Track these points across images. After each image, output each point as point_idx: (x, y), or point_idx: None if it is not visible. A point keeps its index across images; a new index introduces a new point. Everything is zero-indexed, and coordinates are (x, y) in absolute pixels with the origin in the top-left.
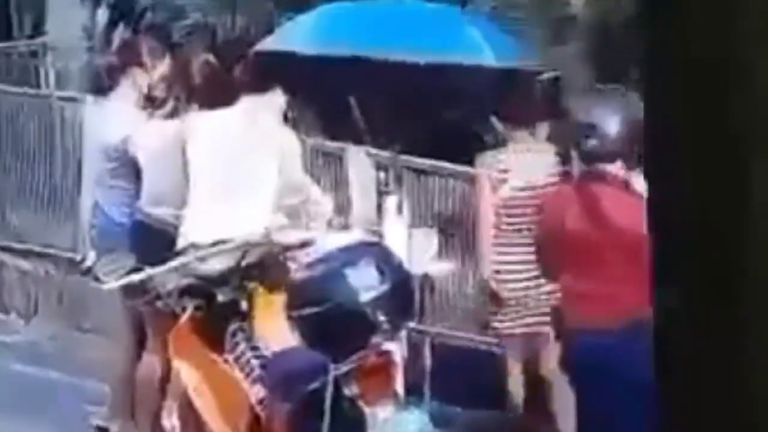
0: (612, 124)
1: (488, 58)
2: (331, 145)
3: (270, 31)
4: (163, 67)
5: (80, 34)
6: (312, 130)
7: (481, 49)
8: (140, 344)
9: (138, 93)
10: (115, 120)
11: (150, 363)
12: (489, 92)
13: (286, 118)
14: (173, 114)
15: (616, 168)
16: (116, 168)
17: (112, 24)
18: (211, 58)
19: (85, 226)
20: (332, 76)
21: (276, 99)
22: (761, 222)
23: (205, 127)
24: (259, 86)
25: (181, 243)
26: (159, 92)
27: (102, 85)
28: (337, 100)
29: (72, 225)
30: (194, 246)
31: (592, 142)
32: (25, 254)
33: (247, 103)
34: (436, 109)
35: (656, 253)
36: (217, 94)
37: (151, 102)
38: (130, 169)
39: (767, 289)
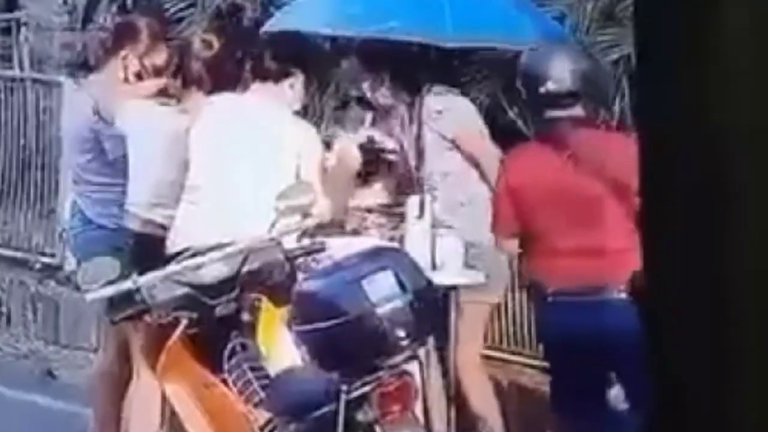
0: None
1: (531, 40)
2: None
3: (279, 6)
4: (157, 47)
5: (59, 9)
6: (325, 120)
7: (523, 29)
8: (127, 364)
9: (126, 77)
10: (98, 107)
11: (139, 387)
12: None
13: (302, 109)
14: (170, 101)
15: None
16: (100, 162)
17: None
18: (210, 36)
19: (64, 226)
20: (355, 60)
21: (295, 86)
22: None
23: (211, 115)
24: (275, 71)
25: (174, 246)
26: (152, 76)
27: (83, 67)
28: (358, 88)
29: (49, 225)
30: (189, 250)
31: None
32: None
33: (260, 90)
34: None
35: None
36: (220, 78)
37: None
38: (115, 164)
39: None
